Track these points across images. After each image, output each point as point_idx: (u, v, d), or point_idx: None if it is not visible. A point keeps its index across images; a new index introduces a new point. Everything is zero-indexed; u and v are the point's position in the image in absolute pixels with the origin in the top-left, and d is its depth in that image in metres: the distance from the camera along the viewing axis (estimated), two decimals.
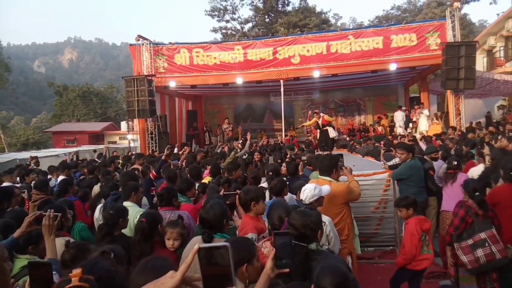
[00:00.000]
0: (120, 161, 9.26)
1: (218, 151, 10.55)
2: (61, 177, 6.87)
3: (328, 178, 4.17)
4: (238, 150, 8.87)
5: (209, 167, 6.50)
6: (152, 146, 14.09)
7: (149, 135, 14.27)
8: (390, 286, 4.13)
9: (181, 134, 17.60)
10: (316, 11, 34.63)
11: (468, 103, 15.52)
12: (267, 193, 4.88)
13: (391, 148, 7.51)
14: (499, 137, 7.28)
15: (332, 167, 4.19)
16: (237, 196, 3.69)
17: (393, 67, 13.04)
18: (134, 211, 3.90)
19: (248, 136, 10.69)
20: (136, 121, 15.46)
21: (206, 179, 5.73)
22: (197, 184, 5.21)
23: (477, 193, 3.93)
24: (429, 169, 6.12)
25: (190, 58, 14.12)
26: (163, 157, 5.53)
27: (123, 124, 33.21)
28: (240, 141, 13.89)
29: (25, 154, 17.98)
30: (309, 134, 17.69)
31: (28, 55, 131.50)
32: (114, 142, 32.33)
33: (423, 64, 13.58)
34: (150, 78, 13.59)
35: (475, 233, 3.80)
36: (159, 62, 14.22)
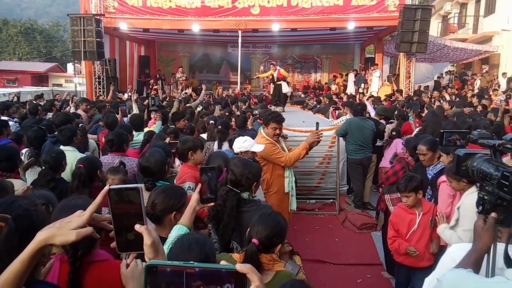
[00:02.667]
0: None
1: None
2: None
3: (262, 131, 4.18)
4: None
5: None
6: (100, 91, 13.42)
7: (97, 79, 13.53)
8: None
9: (132, 80, 16.84)
10: None
11: (419, 67, 16.07)
12: (216, 144, 4.93)
13: (340, 106, 7.71)
14: (441, 100, 7.68)
15: (265, 122, 4.12)
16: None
17: (351, 25, 13.06)
18: (74, 156, 3.77)
19: (203, 88, 10.52)
20: (83, 63, 14.55)
21: (153, 127, 5.62)
22: (143, 133, 5.16)
23: (417, 151, 4.17)
24: (383, 130, 6.37)
25: None
26: None
27: (70, 66, 31.10)
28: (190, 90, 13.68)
29: None
30: (265, 89, 17.65)
31: None
32: (60, 85, 30.38)
33: (381, 25, 13.70)
34: (98, 17, 12.65)
35: None
36: (108, 1, 13.18)
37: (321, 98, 11.22)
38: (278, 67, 11.58)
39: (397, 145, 5.90)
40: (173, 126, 5.87)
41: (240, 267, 0.74)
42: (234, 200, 2.53)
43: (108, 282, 1.55)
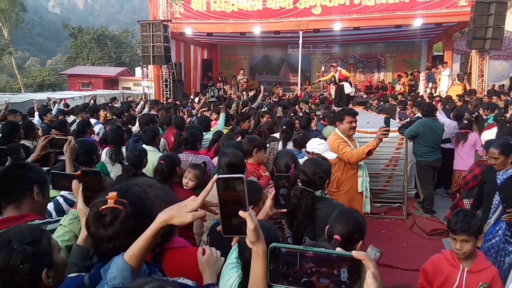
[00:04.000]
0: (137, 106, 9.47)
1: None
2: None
3: (335, 129, 4.23)
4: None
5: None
6: (167, 93, 14.13)
7: (164, 83, 14.26)
8: None
9: (196, 83, 17.52)
10: None
11: (493, 64, 14.97)
12: (280, 143, 5.01)
13: (407, 106, 7.43)
14: None
15: (335, 119, 4.19)
16: None
17: (418, 22, 12.50)
18: (155, 156, 4.01)
19: (262, 89, 10.66)
20: (150, 67, 15.40)
21: (215, 127, 5.91)
22: (210, 133, 5.41)
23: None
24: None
25: (207, 3, 13.72)
26: None
27: (138, 70, 33.02)
28: (252, 92, 13.88)
29: (42, 95, 18.22)
30: (325, 90, 17.46)
31: None
32: (129, 88, 32.39)
33: (450, 20, 12.97)
34: (165, 23, 13.34)
35: None
36: (175, 7, 13.87)
37: (389, 98, 10.88)
38: (339, 68, 11.45)
39: (476, 143, 5.53)
40: (239, 127, 6.08)
41: (357, 254, 0.79)
42: (309, 199, 2.64)
43: (185, 267, 1.66)
